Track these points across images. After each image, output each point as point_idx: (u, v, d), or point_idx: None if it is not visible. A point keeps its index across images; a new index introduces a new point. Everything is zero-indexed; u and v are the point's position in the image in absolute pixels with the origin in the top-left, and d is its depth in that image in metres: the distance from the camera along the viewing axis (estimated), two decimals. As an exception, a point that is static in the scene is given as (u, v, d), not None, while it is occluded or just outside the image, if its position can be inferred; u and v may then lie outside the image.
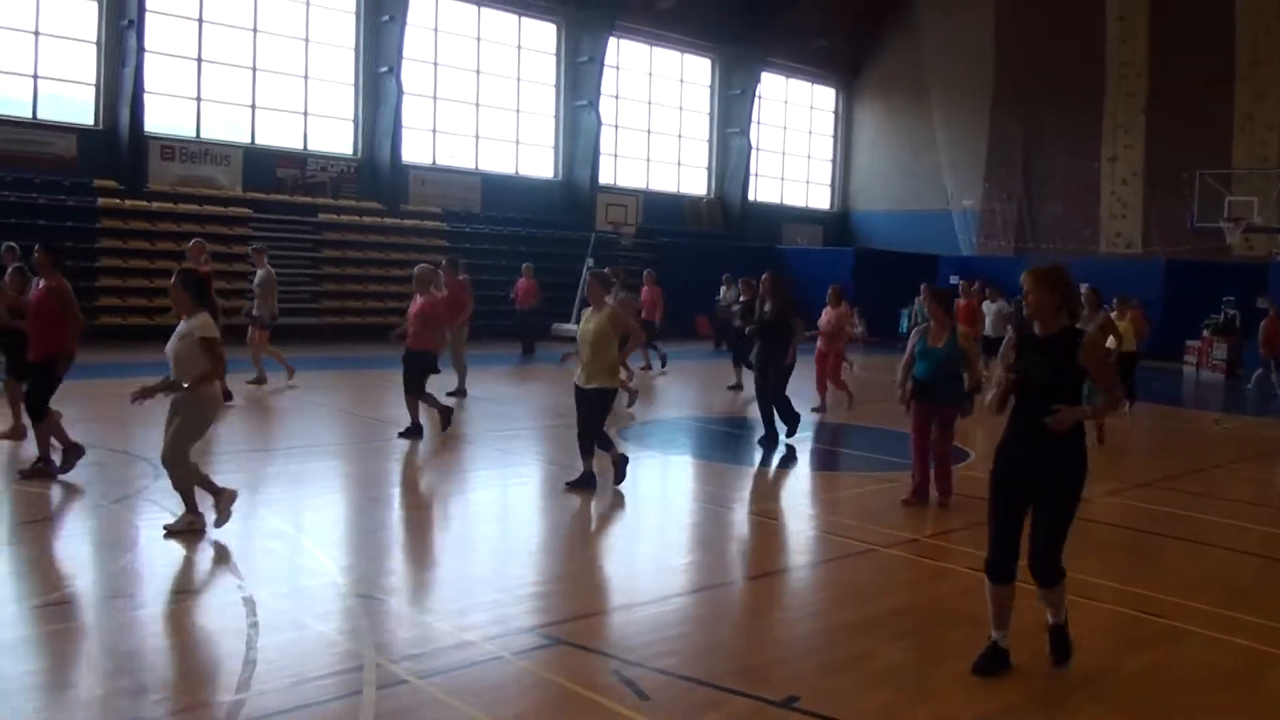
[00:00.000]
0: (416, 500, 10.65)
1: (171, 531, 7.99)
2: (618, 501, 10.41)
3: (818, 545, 9.11)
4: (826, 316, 16.57)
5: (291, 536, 8.39)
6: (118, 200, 23.88)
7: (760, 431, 13.36)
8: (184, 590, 7.04)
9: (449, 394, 16.51)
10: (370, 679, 5.49)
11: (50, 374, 10.10)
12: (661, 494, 11.23)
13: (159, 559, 7.70)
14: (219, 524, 8.15)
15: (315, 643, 6.07)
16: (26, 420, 10.66)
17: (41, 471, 9.80)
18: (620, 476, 10.53)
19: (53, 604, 6.58)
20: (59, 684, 5.36)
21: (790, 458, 12.85)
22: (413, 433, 12.75)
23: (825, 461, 13.57)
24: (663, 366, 21.92)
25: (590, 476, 10.43)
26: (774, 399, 13.24)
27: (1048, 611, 6.05)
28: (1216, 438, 16.80)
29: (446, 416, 13.15)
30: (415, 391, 12.90)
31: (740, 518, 10.11)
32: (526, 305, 24.05)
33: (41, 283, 10.23)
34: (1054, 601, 5.97)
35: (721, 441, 14.56)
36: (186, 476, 8.11)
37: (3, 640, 5.93)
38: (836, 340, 16.63)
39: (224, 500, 8.25)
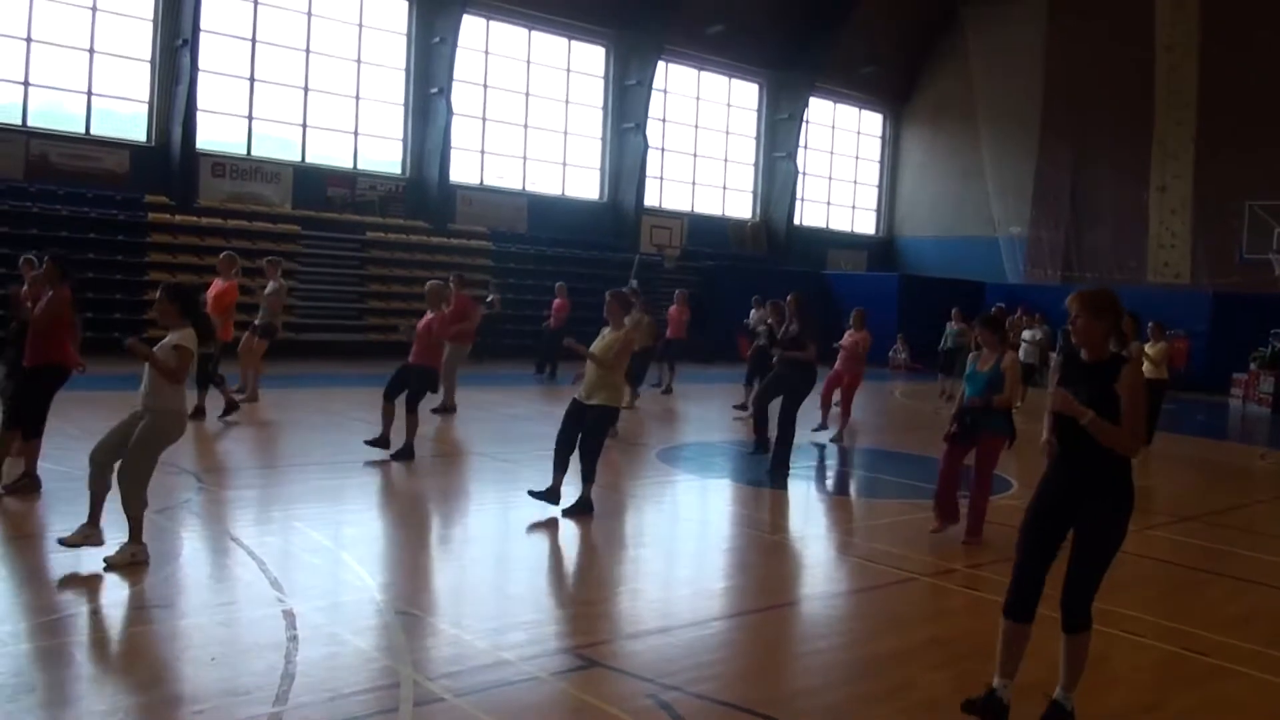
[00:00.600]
0: (456, 517, 10.67)
1: (111, 565, 7.37)
2: (655, 524, 10.40)
3: (857, 572, 9.04)
4: (849, 338, 16.20)
5: (331, 551, 8.43)
6: (168, 215, 24.20)
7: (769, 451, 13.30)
8: (224, 602, 7.07)
9: (433, 410, 16.27)
10: (407, 696, 5.50)
11: (40, 385, 9.81)
12: (698, 516, 11.20)
13: (200, 570, 7.75)
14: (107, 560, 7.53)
15: (353, 658, 6.08)
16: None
17: (27, 487, 9.57)
18: (577, 510, 10.08)
19: (92, 613, 6.64)
20: (97, 692, 5.39)
21: (823, 480, 12.77)
22: (380, 443, 12.32)
23: (863, 487, 13.50)
24: (662, 389, 21.67)
25: (561, 496, 10.19)
26: (781, 420, 13.11)
27: (1060, 679, 5.60)
28: (1261, 472, 16.57)
29: (410, 449, 12.60)
30: (413, 407, 12.60)
31: (777, 542, 10.06)
32: (558, 324, 24.04)
33: (50, 293, 10.02)
34: (1073, 658, 5.51)
35: (755, 464, 14.50)
36: (139, 499, 7.57)
37: (42, 647, 5.99)
38: (855, 363, 16.23)
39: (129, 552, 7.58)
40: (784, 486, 12.50)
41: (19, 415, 9.69)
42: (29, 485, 9.61)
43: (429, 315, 13.17)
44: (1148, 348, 15.48)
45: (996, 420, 9.80)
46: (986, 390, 9.77)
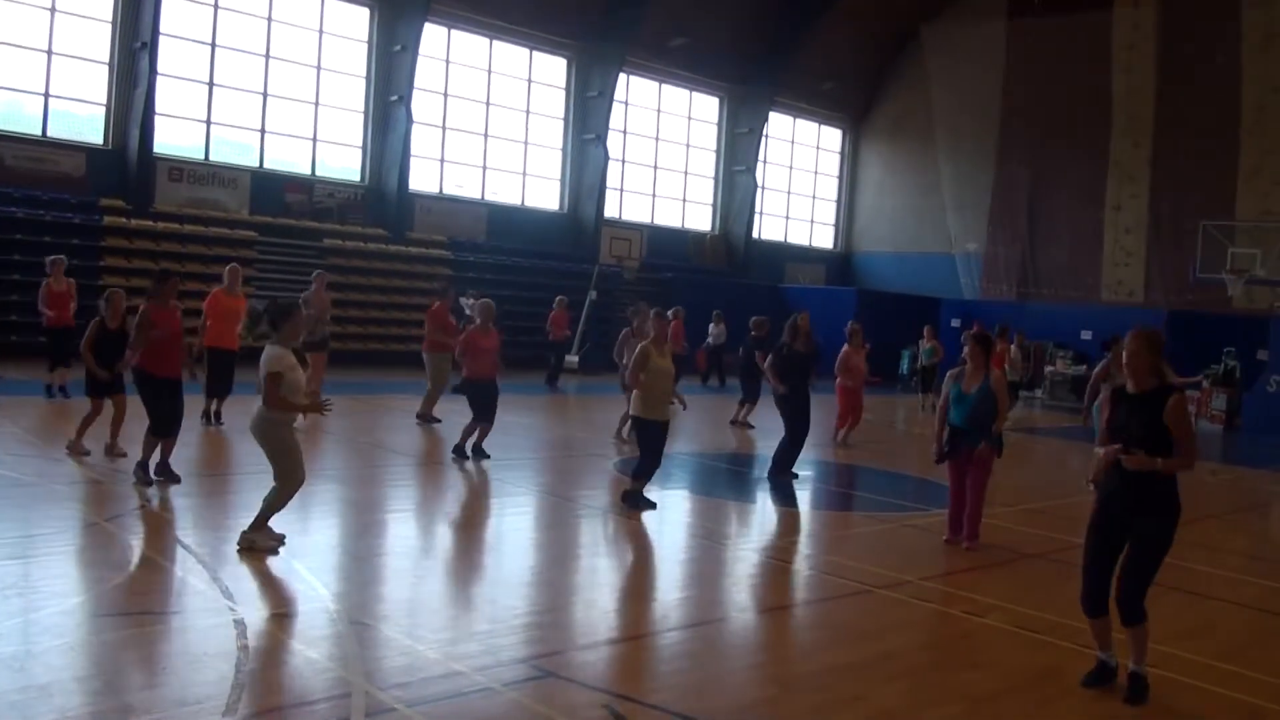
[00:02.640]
0: (411, 527, 10.60)
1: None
2: (614, 535, 10.40)
3: (814, 584, 9.08)
4: (850, 354, 17.25)
5: (284, 560, 8.34)
6: (123, 219, 23.93)
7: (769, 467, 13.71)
8: (175, 611, 7.00)
9: (418, 416, 16.56)
10: (359, 706, 5.46)
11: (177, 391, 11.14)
12: (658, 529, 11.18)
13: (151, 578, 7.67)
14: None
15: (305, 668, 6.04)
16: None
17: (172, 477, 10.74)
18: (627, 499, 11.19)
19: (42, 621, 6.54)
20: (46, 702, 5.32)
21: (782, 492, 12.84)
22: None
23: (824, 501, 13.54)
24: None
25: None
26: (797, 435, 13.64)
27: (1130, 655, 6.46)
28: (1212, 488, 16.75)
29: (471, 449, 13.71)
30: (487, 416, 13.62)
31: (736, 554, 10.07)
32: (558, 337, 24.25)
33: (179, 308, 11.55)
34: (1137, 643, 6.40)
35: (718, 477, 14.53)
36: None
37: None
38: (857, 376, 17.26)
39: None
40: (790, 491, 12.81)
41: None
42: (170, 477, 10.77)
43: (473, 330, 13.95)
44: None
45: (986, 435, 10.03)
46: (975, 410, 9.94)
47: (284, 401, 8.31)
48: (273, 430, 8.42)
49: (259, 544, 8.35)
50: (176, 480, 10.66)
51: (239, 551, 8.27)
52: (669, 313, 22.57)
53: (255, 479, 11.67)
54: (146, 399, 10.90)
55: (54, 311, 16.22)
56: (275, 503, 8.48)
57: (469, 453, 13.44)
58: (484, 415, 13.56)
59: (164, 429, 10.75)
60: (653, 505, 11.18)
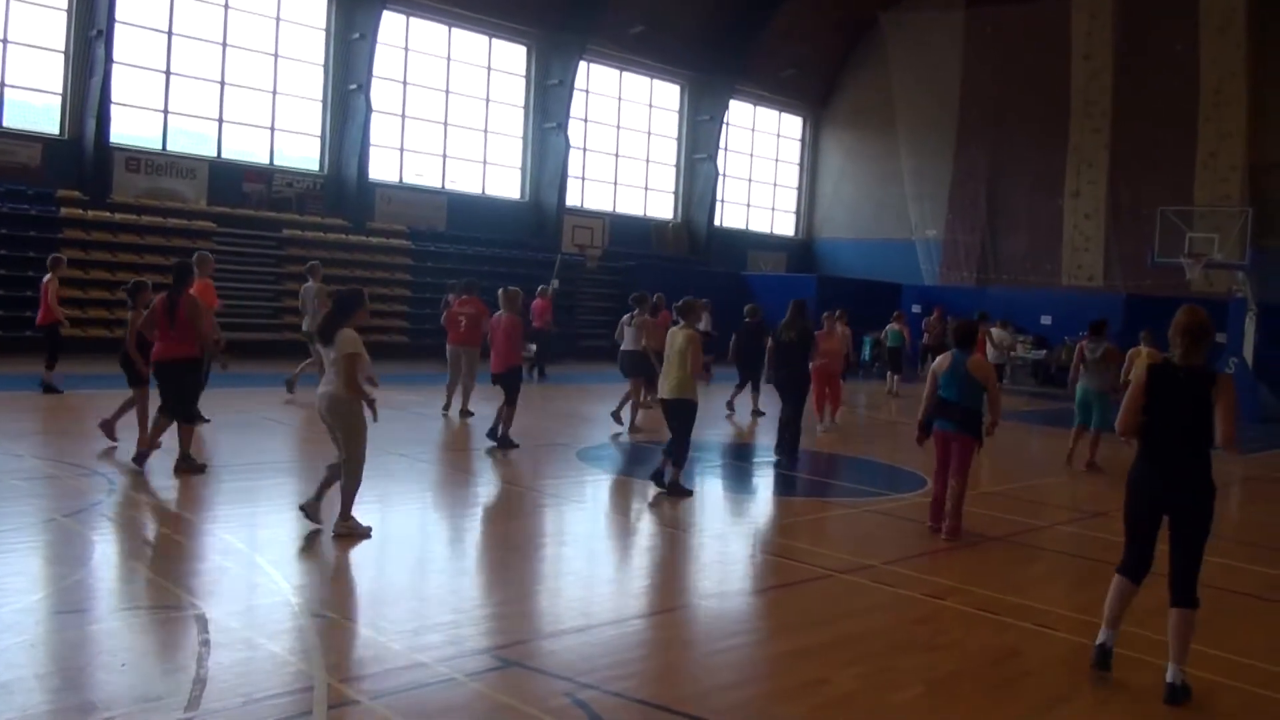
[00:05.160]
0: (372, 519, 10.56)
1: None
2: (574, 523, 10.41)
3: (775, 569, 9.11)
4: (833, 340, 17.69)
5: (245, 554, 8.31)
6: (80, 210, 23.66)
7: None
8: (135, 606, 6.96)
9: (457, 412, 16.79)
10: (321, 699, 5.44)
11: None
12: (617, 516, 11.21)
13: (111, 574, 7.62)
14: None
15: (267, 662, 6.01)
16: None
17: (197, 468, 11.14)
18: (670, 492, 11.50)
19: (2, 619, 6.48)
20: (6, 699, 5.27)
21: (746, 478, 12.90)
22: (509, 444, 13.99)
23: (787, 486, 13.60)
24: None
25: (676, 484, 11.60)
26: (798, 416, 14.57)
27: (1170, 658, 6.33)
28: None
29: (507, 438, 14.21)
30: (512, 401, 14.16)
31: (698, 541, 10.09)
32: (542, 325, 24.18)
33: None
34: (1182, 631, 6.33)
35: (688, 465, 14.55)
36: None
37: (-52, 654, 5.85)
38: (837, 361, 17.73)
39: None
40: (717, 487, 12.67)
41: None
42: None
43: (503, 316, 14.44)
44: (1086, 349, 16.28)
45: (973, 423, 10.17)
46: (967, 393, 10.06)
47: (358, 386, 8.78)
48: (348, 409, 8.90)
49: (356, 530, 8.96)
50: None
51: (336, 538, 8.79)
52: (654, 299, 22.79)
53: (214, 476, 11.63)
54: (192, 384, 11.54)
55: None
56: (350, 488, 9.02)
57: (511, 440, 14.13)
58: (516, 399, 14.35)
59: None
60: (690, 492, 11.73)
